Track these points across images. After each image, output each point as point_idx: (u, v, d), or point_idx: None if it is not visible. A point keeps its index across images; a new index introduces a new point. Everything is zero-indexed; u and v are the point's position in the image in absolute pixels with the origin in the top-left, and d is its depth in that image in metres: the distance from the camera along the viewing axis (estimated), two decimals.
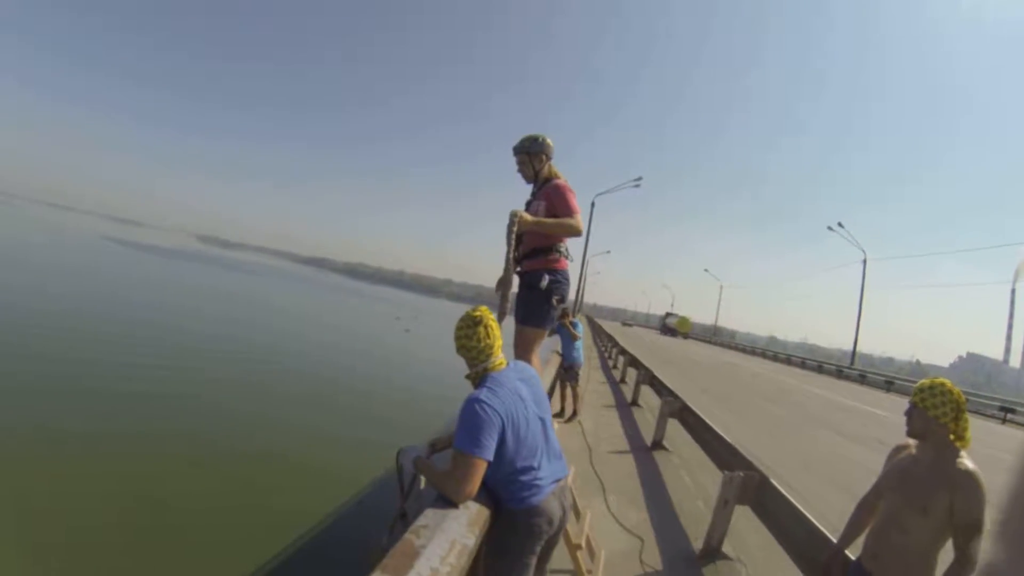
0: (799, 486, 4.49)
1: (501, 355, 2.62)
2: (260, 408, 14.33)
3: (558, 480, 2.57)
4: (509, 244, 3.43)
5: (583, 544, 3.61)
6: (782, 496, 4.33)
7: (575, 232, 3.71)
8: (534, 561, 2.50)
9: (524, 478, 2.40)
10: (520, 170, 4.05)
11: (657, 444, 8.57)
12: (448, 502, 2.20)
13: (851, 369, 32.41)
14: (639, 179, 34.79)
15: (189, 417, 12.39)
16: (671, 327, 71.52)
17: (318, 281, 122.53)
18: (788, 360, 41.73)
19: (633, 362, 15.76)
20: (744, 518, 4.97)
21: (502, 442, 2.30)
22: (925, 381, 2.61)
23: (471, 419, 2.27)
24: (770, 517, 4.46)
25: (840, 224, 37.03)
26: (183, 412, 12.61)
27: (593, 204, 34.72)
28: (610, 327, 52.67)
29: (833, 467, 8.63)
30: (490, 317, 2.62)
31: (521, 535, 2.42)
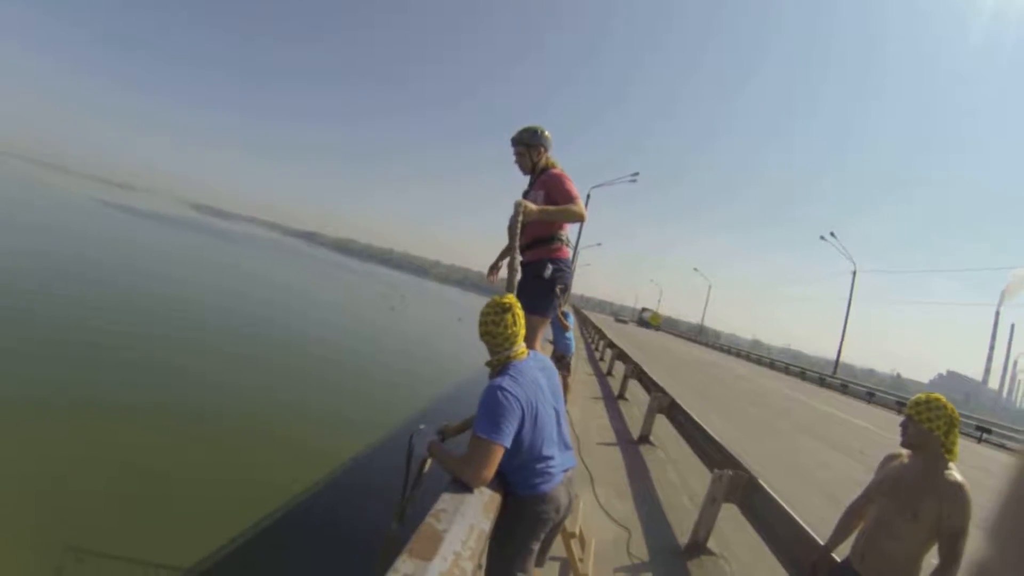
0: (782, 488, 4.58)
1: (523, 344, 2.62)
2: (249, 380, 14.41)
3: (567, 470, 2.61)
4: (515, 234, 3.41)
5: (577, 533, 3.67)
6: (770, 496, 4.38)
7: (578, 217, 3.72)
8: (537, 547, 2.53)
9: (538, 466, 2.43)
10: (518, 161, 4.04)
11: (644, 438, 8.65)
12: (463, 486, 2.22)
13: (833, 378, 32.33)
14: (636, 174, 34.54)
15: (180, 386, 12.44)
16: (646, 320, 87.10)
17: (309, 255, 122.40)
18: (771, 364, 41.77)
19: (621, 356, 15.83)
20: (728, 516, 5.03)
21: (520, 430, 2.31)
22: (921, 395, 2.70)
23: (493, 405, 2.28)
24: (757, 516, 4.52)
25: (832, 234, 36.95)
26: (173, 381, 12.66)
27: (588, 196, 34.58)
28: (598, 319, 52.59)
29: (815, 473, 8.72)
30: (518, 305, 2.61)
31: (529, 521, 2.45)
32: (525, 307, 3.61)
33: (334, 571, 6.96)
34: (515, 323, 2.55)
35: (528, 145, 3.93)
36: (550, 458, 2.47)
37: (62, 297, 17.55)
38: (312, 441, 11.17)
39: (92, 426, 9.32)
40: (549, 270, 3.75)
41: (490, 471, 2.24)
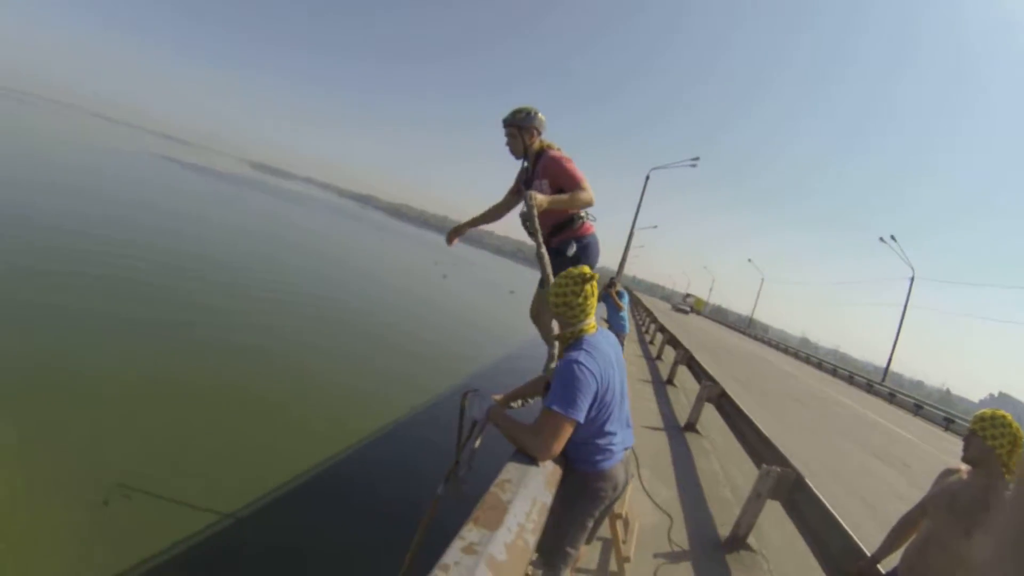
0: (823, 492, 4.53)
1: (593, 318, 2.57)
2: (301, 337, 14.79)
3: (627, 448, 2.61)
4: (536, 229, 3.32)
5: (622, 514, 3.70)
6: (816, 498, 4.31)
7: (587, 204, 3.64)
8: (591, 524, 2.54)
9: (600, 442, 2.42)
10: (509, 143, 3.88)
11: (690, 426, 8.64)
12: (527, 457, 2.22)
13: (881, 386, 31.03)
14: (696, 159, 33.44)
15: (235, 337, 12.92)
16: (690, 305, 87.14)
17: (364, 218, 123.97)
18: (819, 365, 40.74)
19: (672, 341, 15.76)
20: (768, 513, 4.98)
21: (590, 406, 2.29)
22: (987, 411, 2.64)
23: (569, 379, 2.25)
24: (801, 517, 4.46)
25: (893, 237, 35.57)
26: (229, 332, 13.18)
27: (648, 178, 34.02)
28: (649, 303, 51.95)
29: (856, 479, 8.59)
30: (596, 277, 2.54)
31: (587, 498, 2.46)
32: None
33: (377, 529, 7.13)
34: (593, 293, 2.50)
35: (520, 127, 3.78)
36: (613, 435, 2.46)
37: (124, 246, 18.40)
38: (361, 400, 11.44)
39: (144, 370, 9.74)
40: (573, 248, 3.74)
41: (560, 445, 2.23)
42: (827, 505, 4.16)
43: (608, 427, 2.42)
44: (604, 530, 3.61)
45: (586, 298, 2.48)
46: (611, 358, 2.48)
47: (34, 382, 8.19)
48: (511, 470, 2.08)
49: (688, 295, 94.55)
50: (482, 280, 57.26)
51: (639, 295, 60.76)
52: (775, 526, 5.26)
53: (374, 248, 57.80)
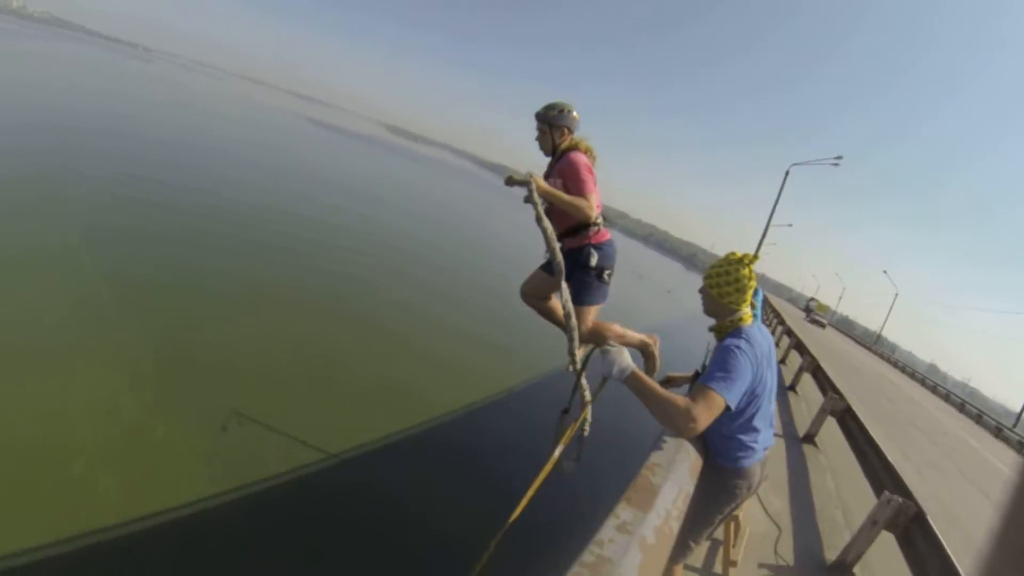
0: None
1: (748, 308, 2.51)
2: (428, 303, 15.65)
3: (766, 448, 2.55)
4: (536, 204, 3.16)
5: (738, 517, 3.70)
6: (936, 539, 4.07)
7: (582, 216, 3.48)
8: (718, 521, 2.55)
9: (745, 438, 2.39)
10: (539, 139, 3.78)
11: (809, 438, 8.38)
12: (672, 444, 2.19)
13: (1012, 432, 28.29)
14: (839, 158, 31.17)
15: (365, 294, 14.02)
16: (812, 309, 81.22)
17: (500, 189, 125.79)
18: (947, 397, 38.10)
19: (798, 346, 15.43)
20: (879, 544, 4.76)
21: (742, 396, 2.25)
22: None
23: (730, 362, 2.22)
24: (915, 556, 4.21)
25: None
26: (360, 288, 14.30)
27: (788, 173, 32.49)
28: (777, 304, 50.13)
29: (975, 530, 8.00)
30: (758, 258, 2.49)
31: (723, 494, 2.46)
32: (577, 299, 3.43)
33: (484, 485, 7.42)
34: (753, 278, 2.46)
35: (551, 124, 3.67)
36: (758, 432, 2.43)
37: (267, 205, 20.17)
38: (475, 365, 11.91)
39: (274, 310, 10.72)
40: (595, 258, 3.60)
41: (705, 424, 2.15)
42: (947, 550, 3.92)
43: (755, 423, 2.40)
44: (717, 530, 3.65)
45: (752, 280, 2.45)
46: (767, 353, 2.43)
47: (179, 323, 9.14)
48: (658, 455, 2.09)
49: (812, 299, 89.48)
50: (622, 268, 56.60)
51: (767, 295, 58.91)
52: (883, 560, 5.03)
53: (506, 220, 57.98)
